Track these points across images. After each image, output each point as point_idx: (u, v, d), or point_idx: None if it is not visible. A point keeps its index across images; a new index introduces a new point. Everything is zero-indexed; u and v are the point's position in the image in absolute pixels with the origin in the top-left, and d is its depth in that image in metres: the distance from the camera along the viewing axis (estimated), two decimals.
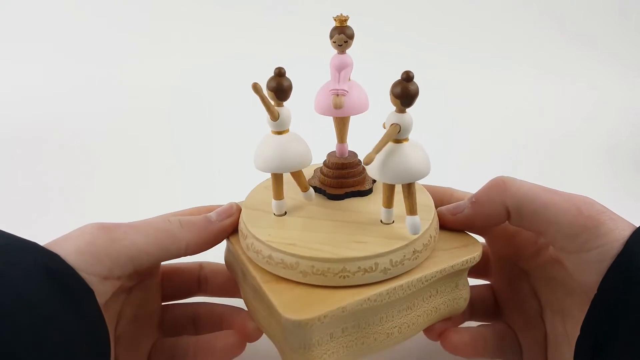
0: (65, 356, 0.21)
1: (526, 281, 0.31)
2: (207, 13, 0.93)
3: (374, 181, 0.30)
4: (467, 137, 0.78)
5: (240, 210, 0.30)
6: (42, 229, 0.25)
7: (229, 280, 0.34)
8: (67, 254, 0.23)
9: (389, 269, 0.24)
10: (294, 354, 0.24)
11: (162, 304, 0.33)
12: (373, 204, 0.28)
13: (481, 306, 0.34)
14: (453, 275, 0.28)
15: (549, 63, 0.93)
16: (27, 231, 0.25)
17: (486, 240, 0.34)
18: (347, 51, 0.28)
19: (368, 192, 0.29)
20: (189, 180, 0.64)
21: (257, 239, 0.26)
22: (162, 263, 0.32)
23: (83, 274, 0.23)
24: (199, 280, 0.34)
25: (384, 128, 0.25)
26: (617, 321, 0.22)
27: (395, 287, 0.25)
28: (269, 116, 0.25)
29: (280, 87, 0.25)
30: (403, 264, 0.25)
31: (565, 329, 0.28)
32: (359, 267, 0.24)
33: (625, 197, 0.60)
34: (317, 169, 0.32)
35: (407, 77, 0.22)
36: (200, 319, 0.33)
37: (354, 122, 0.31)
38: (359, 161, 0.30)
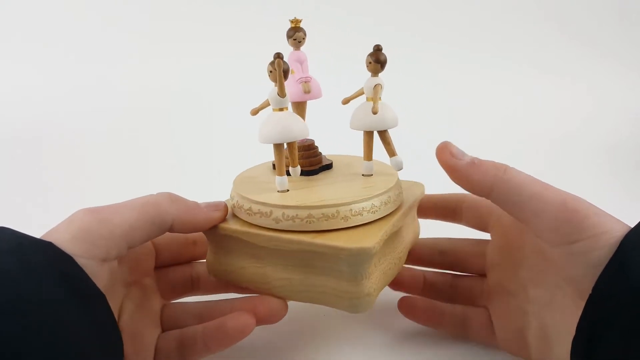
0: (77, 357, 0.21)
1: (517, 273, 0.32)
2: (207, 13, 0.93)
3: (328, 167, 0.35)
4: (467, 136, 0.78)
5: (227, 209, 0.32)
6: (42, 229, 0.25)
7: None
8: (63, 242, 0.24)
9: (280, 221, 0.29)
10: (353, 287, 0.28)
11: (164, 302, 0.34)
12: (340, 172, 0.35)
13: (467, 291, 0.36)
14: (329, 259, 0.30)
15: (549, 63, 0.93)
16: (27, 231, 0.25)
17: (490, 235, 0.35)
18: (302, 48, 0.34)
19: (331, 165, 0.36)
20: (189, 180, 0.64)
21: (287, 206, 0.29)
22: (155, 265, 0.33)
23: (81, 260, 0.24)
24: (191, 279, 0.35)
25: (344, 104, 0.34)
26: (612, 322, 0.23)
27: (399, 215, 0.31)
28: (276, 93, 0.29)
29: (286, 69, 0.29)
30: (294, 221, 0.29)
31: (555, 322, 0.28)
32: (259, 210, 0.30)
33: (625, 197, 0.60)
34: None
35: (380, 48, 0.31)
36: (204, 314, 0.33)
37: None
38: (315, 144, 0.36)
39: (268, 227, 0.30)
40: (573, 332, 0.25)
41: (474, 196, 0.34)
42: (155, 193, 0.29)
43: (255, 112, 0.31)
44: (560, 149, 0.75)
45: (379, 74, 0.32)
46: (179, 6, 0.93)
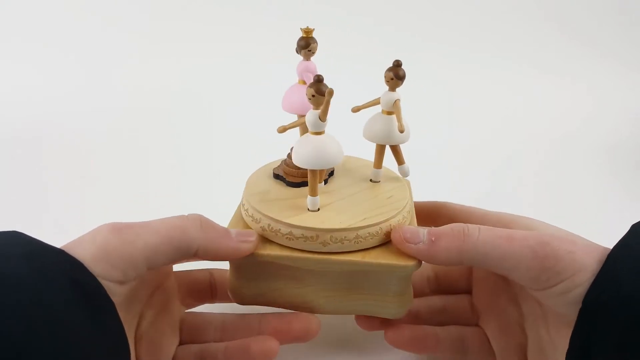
0: None
1: (508, 290, 0.32)
2: (207, 13, 0.93)
3: (330, 174, 0.35)
4: (467, 136, 0.78)
5: (258, 240, 0.30)
6: (43, 229, 0.25)
7: None
8: (81, 259, 0.23)
9: (328, 244, 0.29)
10: (399, 297, 0.30)
11: (185, 311, 0.33)
12: (344, 182, 0.34)
13: (455, 315, 0.35)
14: (376, 276, 0.30)
15: (549, 63, 0.93)
16: (27, 231, 0.25)
17: None
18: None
19: (326, 181, 0.34)
20: (189, 180, 0.64)
21: (334, 230, 0.29)
22: (175, 269, 0.33)
23: (100, 280, 0.23)
24: (210, 287, 0.34)
25: (354, 112, 0.34)
26: (606, 333, 0.23)
27: (319, 259, 0.29)
28: (318, 117, 0.28)
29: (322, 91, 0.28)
30: (342, 243, 0.29)
31: (550, 336, 0.28)
32: (302, 235, 0.29)
33: (625, 197, 0.60)
34: (284, 159, 0.35)
35: (399, 64, 0.31)
36: (226, 329, 0.33)
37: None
38: None
39: (314, 250, 0.29)
40: (567, 346, 0.25)
41: (453, 205, 0.35)
42: (187, 214, 0.28)
43: (283, 130, 0.30)
44: (560, 149, 0.75)
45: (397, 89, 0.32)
46: (179, 6, 0.93)
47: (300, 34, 0.32)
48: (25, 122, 0.80)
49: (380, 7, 0.93)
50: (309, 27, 0.32)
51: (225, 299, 0.34)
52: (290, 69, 0.34)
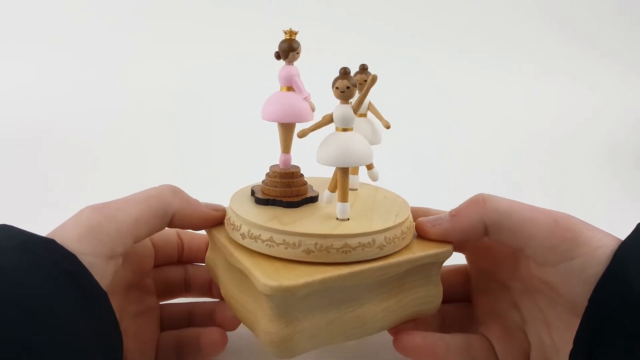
0: (79, 355, 0.21)
1: (506, 294, 0.31)
2: (208, 13, 0.93)
3: (310, 200, 0.32)
4: (468, 137, 0.78)
5: (225, 210, 0.31)
6: (42, 228, 0.25)
7: (207, 282, 0.35)
8: (69, 240, 0.24)
9: (385, 246, 0.27)
10: (439, 289, 0.30)
11: (160, 302, 0.34)
12: (294, 213, 0.30)
13: (456, 323, 0.34)
14: (423, 269, 0.30)
15: (549, 63, 0.93)
16: (28, 229, 0.25)
17: (465, 257, 0.34)
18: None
19: (292, 204, 0.31)
20: (189, 180, 0.64)
21: (257, 225, 0.27)
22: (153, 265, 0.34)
23: (88, 258, 0.24)
24: (185, 281, 0.35)
25: (301, 137, 0.28)
26: (613, 334, 0.23)
27: (364, 270, 0.26)
28: (351, 109, 0.27)
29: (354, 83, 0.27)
30: (394, 242, 0.28)
31: (553, 340, 0.28)
32: (359, 243, 0.26)
33: (625, 197, 0.60)
34: (255, 186, 0.33)
35: (347, 71, 0.27)
36: (194, 315, 0.35)
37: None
38: (300, 174, 0.32)
39: (369, 258, 0.27)
40: (570, 348, 0.25)
41: (434, 211, 0.34)
42: (159, 185, 0.29)
43: (304, 134, 0.28)
44: (561, 149, 0.75)
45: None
46: (179, 6, 0.93)
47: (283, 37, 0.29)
48: (25, 122, 0.80)
49: (380, 7, 0.93)
50: (292, 28, 0.29)
51: (197, 293, 0.36)
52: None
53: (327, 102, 0.33)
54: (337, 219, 0.28)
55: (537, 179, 0.66)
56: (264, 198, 0.31)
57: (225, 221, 0.30)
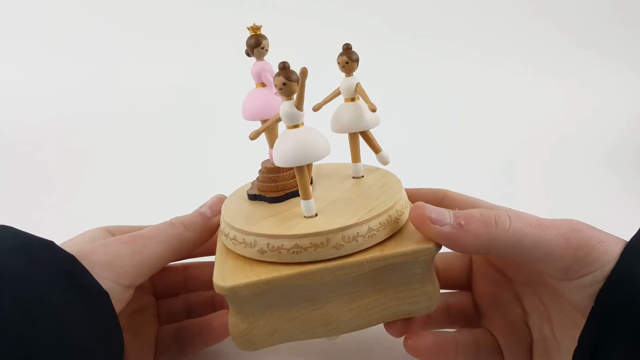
0: (80, 355, 0.21)
1: (509, 287, 0.31)
2: (208, 13, 0.93)
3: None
4: (468, 137, 0.78)
5: (220, 203, 0.32)
6: (43, 229, 0.25)
7: (208, 278, 0.35)
8: (95, 266, 0.25)
9: (343, 245, 0.26)
10: (429, 285, 0.28)
11: (157, 300, 0.35)
12: (326, 186, 0.31)
13: (460, 313, 0.34)
14: (401, 268, 0.27)
15: (549, 63, 0.93)
16: (28, 230, 0.25)
17: None
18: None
19: (298, 193, 0.30)
20: (189, 179, 0.64)
21: (347, 227, 0.26)
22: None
23: (109, 283, 0.25)
24: (184, 279, 0.36)
25: (315, 110, 0.31)
26: (618, 333, 0.23)
27: (334, 266, 0.26)
28: (294, 106, 0.26)
29: (292, 78, 0.25)
30: (357, 240, 0.26)
31: (554, 334, 0.28)
32: (311, 243, 0.25)
33: (626, 197, 0.60)
34: (253, 181, 0.33)
35: (350, 46, 0.29)
36: (192, 307, 0.36)
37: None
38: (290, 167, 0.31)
39: (327, 258, 0.26)
40: (574, 344, 0.25)
41: (454, 195, 0.34)
42: (170, 221, 0.31)
43: (256, 135, 0.28)
44: (561, 149, 0.75)
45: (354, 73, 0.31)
46: (179, 7, 0.93)
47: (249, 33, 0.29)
48: (25, 122, 0.80)
49: (380, 7, 0.93)
50: (256, 23, 0.29)
51: (198, 288, 0.37)
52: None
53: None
54: (304, 217, 0.27)
55: (537, 179, 0.66)
56: (252, 193, 0.31)
57: (286, 252, 0.29)
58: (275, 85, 0.25)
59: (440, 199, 0.34)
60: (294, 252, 0.25)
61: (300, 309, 0.27)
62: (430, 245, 0.26)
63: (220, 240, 0.30)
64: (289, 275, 0.25)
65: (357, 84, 0.30)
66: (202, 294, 0.37)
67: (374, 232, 0.26)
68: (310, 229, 0.26)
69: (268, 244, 0.26)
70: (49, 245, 0.24)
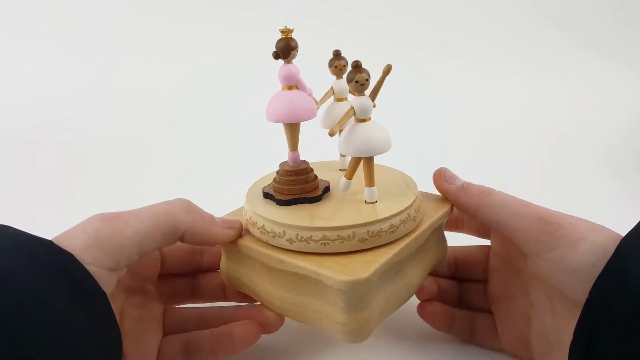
0: (76, 354, 0.21)
1: (518, 277, 0.33)
2: (208, 13, 0.93)
3: (326, 190, 0.32)
4: (468, 137, 0.78)
5: (242, 228, 0.31)
6: (43, 229, 0.25)
7: (220, 286, 0.35)
8: (75, 250, 0.24)
9: (415, 217, 0.30)
10: (348, 317, 0.27)
11: (165, 307, 0.34)
12: (314, 207, 0.31)
13: (471, 297, 0.37)
14: (436, 230, 0.33)
15: (550, 63, 0.93)
16: (28, 231, 0.25)
17: (491, 241, 0.36)
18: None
19: (316, 199, 0.31)
20: (189, 179, 0.64)
21: (304, 227, 0.28)
22: (160, 272, 0.33)
23: (91, 268, 0.24)
24: (192, 287, 0.35)
25: (332, 135, 0.29)
26: (611, 327, 0.23)
27: (409, 242, 0.29)
28: (370, 101, 0.28)
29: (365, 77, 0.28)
30: (419, 212, 0.31)
31: (555, 325, 0.29)
32: (400, 220, 0.29)
33: (626, 197, 0.60)
34: (266, 187, 0.33)
35: (356, 65, 0.27)
36: (206, 319, 0.34)
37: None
38: (310, 169, 0.32)
39: (407, 233, 0.29)
40: (571, 337, 0.25)
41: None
42: (172, 199, 0.29)
43: (335, 132, 0.28)
44: (561, 149, 0.75)
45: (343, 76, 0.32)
46: (179, 6, 0.93)
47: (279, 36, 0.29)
48: (25, 122, 0.80)
49: (380, 7, 0.93)
50: (287, 27, 0.29)
51: (208, 298, 0.35)
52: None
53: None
54: (365, 202, 0.30)
55: (537, 179, 0.66)
56: (287, 199, 0.31)
57: (257, 230, 0.30)
58: (358, 82, 0.27)
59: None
60: (390, 232, 0.28)
61: (392, 283, 0.30)
62: (447, 207, 0.33)
63: (282, 255, 0.29)
64: (395, 253, 0.28)
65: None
66: (221, 309, 0.35)
67: (420, 207, 0.31)
68: (394, 209, 0.29)
69: (368, 232, 0.28)
70: (48, 244, 0.23)
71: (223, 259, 0.33)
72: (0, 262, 0.21)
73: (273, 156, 0.38)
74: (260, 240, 0.30)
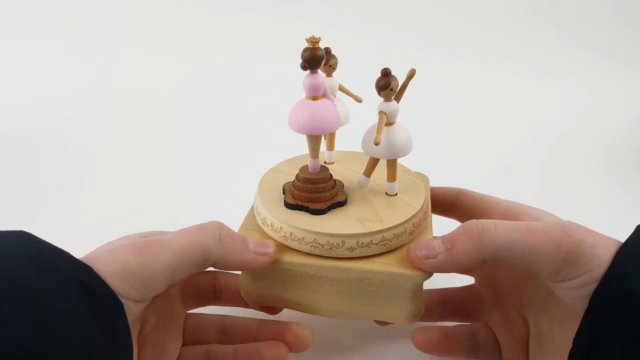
0: None
1: (508, 279, 0.32)
2: (208, 13, 0.93)
3: (335, 205, 0.32)
4: (467, 137, 0.78)
5: (276, 251, 0.30)
6: (43, 228, 0.25)
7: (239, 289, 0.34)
8: (104, 275, 0.24)
9: (355, 249, 0.29)
10: (413, 304, 0.30)
11: (187, 309, 0.34)
12: (352, 211, 0.31)
13: (459, 307, 0.35)
14: (394, 284, 0.29)
15: (550, 63, 0.93)
16: (27, 230, 0.25)
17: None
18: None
19: (344, 202, 0.31)
20: (189, 180, 0.64)
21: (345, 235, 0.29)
22: None
23: (120, 298, 0.24)
24: (214, 289, 0.34)
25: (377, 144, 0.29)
26: (613, 333, 0.23)
27: (331, 265, 0.29)
28: (398, 105, 0.30)
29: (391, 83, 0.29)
30: (369, 247, 0.29)
31: (550, 328, 0.28)
32: (328, 242, 0.29)
33: (626, 197, 0.60)
34: (286, 185, 0.33)
35: (386, 73, 0.28)
36: (228, 330, 0.33)
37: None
38: (330, 175, 0.32)
39: (339, 256, 0.29)
40: (568, 339, 0.25)
41: (469, 192, 0.35)
42: (206, 223, 0.28)
43: (380, 140, 0.28)
44: (561, 149, 0.75)
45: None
46: (179, 6, 0.93)
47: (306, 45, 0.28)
48: (25, 122, 0.80)
49: (381, 7, 0.93)
50: (315, 36, 0.27)
51: (228, 301, 0.34)
52: (289, 68, 0.34)
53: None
54: (386, 194, 0.32)
55: (537, 179, 0.66)
56: (292, 203, 0.31)
57: (307, 245, 0.29)
58: (392, 89, 0.28)
59: (455, 196, 0.36)
60: (312, 245, 0.29)
61: (295, 289, 0.31)
62: (418, 272, 0.28)
63: (343, 263, 0.29)
64: (301, 263, 0.29)
65: (339, 84, 0.32)
66: (245, 320, 0.34)
67: (386, 241, 0.29)
68: (329, 229, 0.29)
69: (291, 234, 0.29)
70: (62, 254, 0.23)
71: (246, 280, 0.32)
72: (13, 269, 0.21)
73: (273, 156, 0.38)
74: (307, 254, 0.29)
